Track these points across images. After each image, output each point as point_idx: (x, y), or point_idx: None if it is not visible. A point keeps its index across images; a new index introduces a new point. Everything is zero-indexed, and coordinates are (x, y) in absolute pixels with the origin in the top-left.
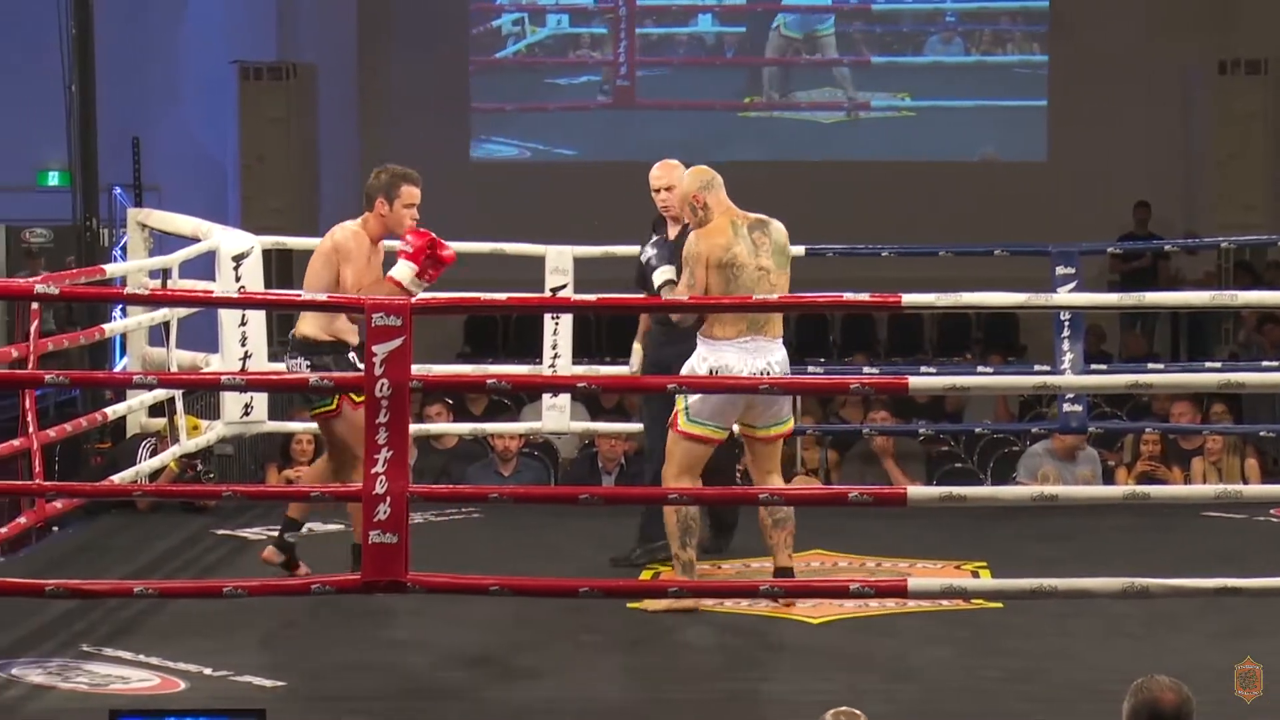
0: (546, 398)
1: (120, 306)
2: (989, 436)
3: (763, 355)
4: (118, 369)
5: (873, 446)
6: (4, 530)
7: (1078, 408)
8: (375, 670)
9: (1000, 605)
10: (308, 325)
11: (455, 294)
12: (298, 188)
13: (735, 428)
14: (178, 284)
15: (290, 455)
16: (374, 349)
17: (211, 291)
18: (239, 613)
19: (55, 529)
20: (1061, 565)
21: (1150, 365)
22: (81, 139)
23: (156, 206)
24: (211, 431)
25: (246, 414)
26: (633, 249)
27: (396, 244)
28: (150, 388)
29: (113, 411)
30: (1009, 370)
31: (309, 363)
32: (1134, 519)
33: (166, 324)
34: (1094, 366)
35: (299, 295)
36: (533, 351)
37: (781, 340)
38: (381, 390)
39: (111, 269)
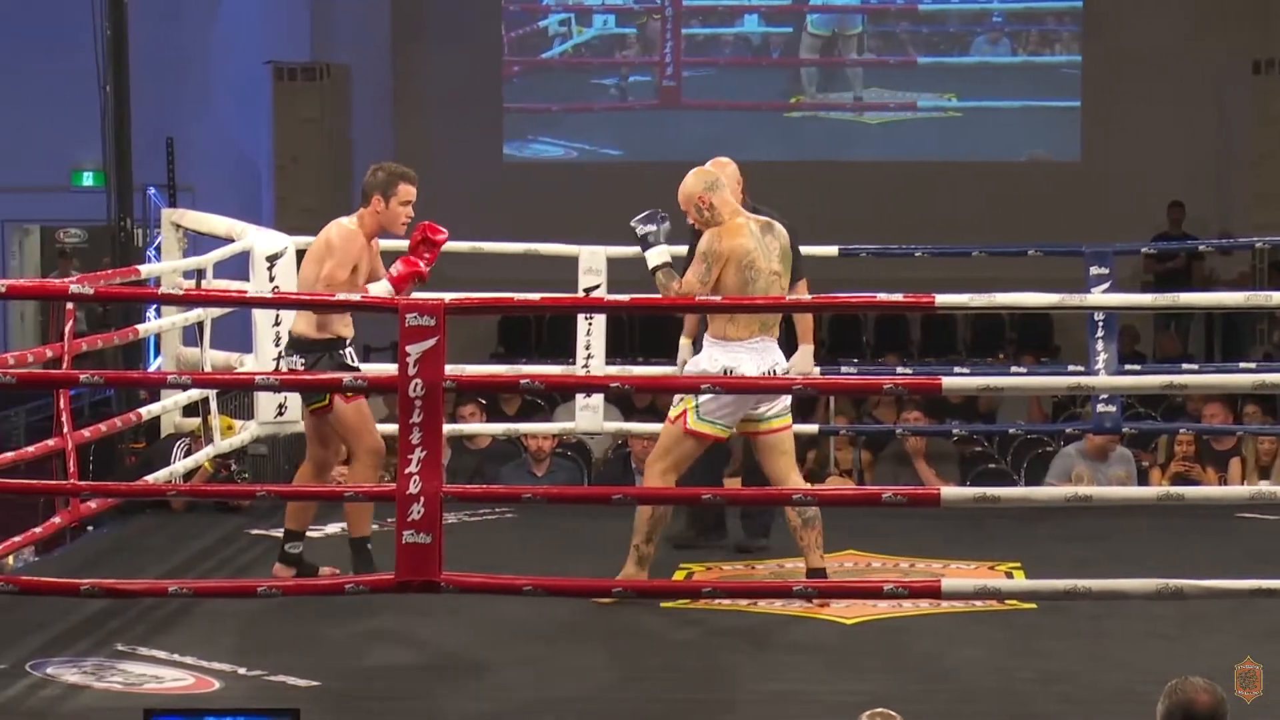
0: (580, 398)
1: (155, 307)
2: (1022, 437)
3: (769, 355)
4: (152, 369)
5: (905, 447)
6: (39, 530)
7: (1112, 408)
8: (409, 670)
9: (1034, 606)
10: (302, 323)
11: (489, 294)
12: (331, 188)
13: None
14: (212, 284)
15: None
16: (407, 349)
17: (245, 292)
18: (273, 612)
19: (90, 528)
20: (1095, 566)
21: (1184, 366)
22: (116, 139)
23: (190, 207)
24: (246, 431)
25: (280, 414)
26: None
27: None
28: (185, 388)
29: (147, 411)
30: (1043, 371)
31: (303, 360)
32: (1168, 520)
33: (200, 324)
34: (1128, 367)
35: (332, 295)
36: (566, 351)
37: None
38: (415, 390)
39: (146, 269)
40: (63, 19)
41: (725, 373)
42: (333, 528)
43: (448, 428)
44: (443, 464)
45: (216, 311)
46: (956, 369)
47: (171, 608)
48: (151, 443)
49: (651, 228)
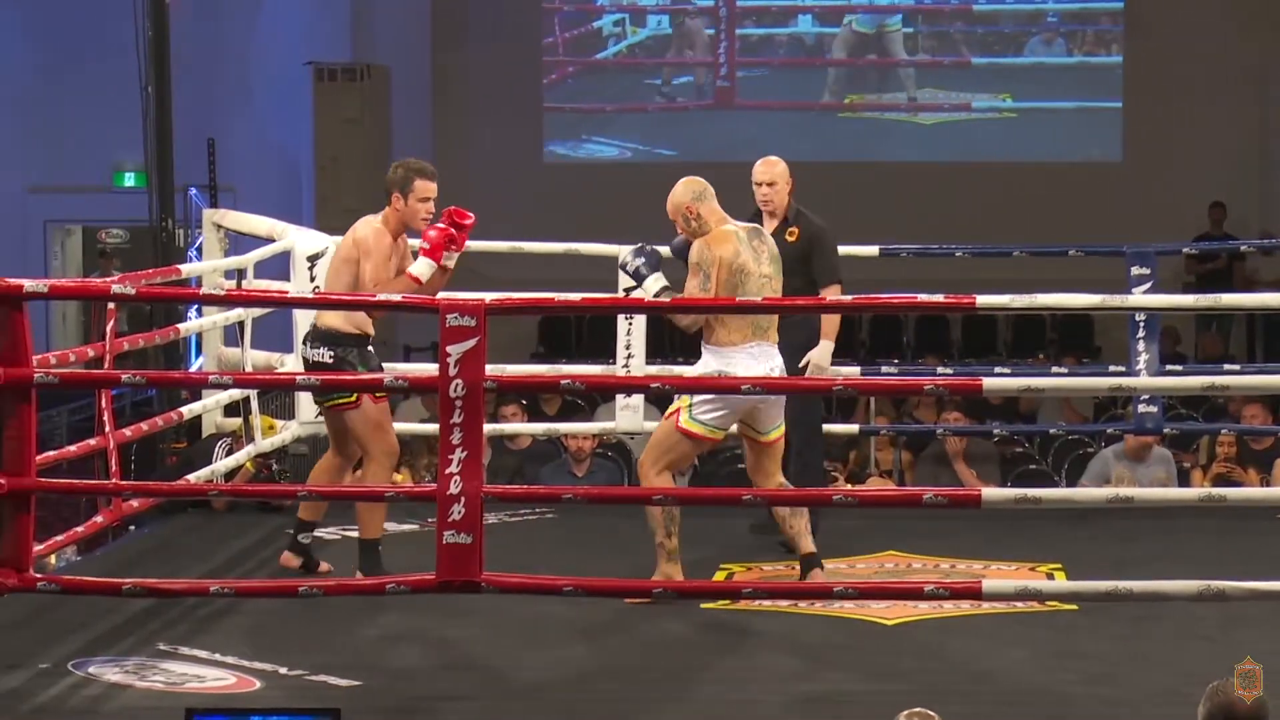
0: (620, 398)
1: (196, 306)
2: (1063, 438)
3: (766, 360)
4: (193, 369)
5: (946, 448)
6: (81, 529)
7: (1153, 409)
8: (449, 670)
9: (1075, 607)
10: (331, 316)
11: (529, 294)
12: (371, 188)
13: (733, 428)
14: (253, 284)
15: None
16: (448, 349)
17: (286, 292)
18: (314, 612)
19: (132, 528)
20: (1137, 567)
21: (1226, 367)
22: (157, 140)
23: (231, 207)
24: (286, 431)
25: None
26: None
27: (416, 241)
28: (225, 387)
29: (188, 411)
30: (1084, 372)
31: (332, 352)
32: (1209, 521)
33: (241, 324)
34: (1169, 368)
35: (373, 295)
36: (607, 352)
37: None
38: (455, 390)
39: (187, 269)
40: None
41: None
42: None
43: (488, 428)
44: (483, 464)
45: (257, 311)
46: (997, 369)
47: (213, 607)
48: (193, 442)
49: (640, 260)
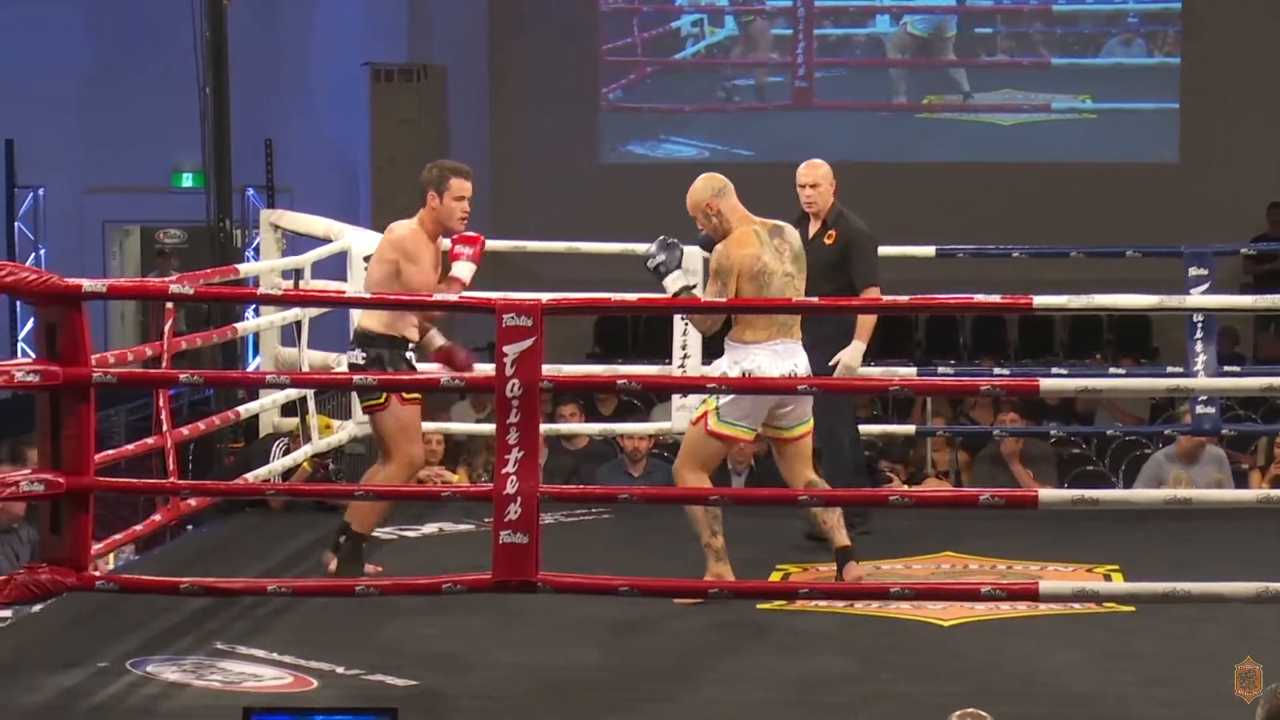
0: (676, 398)
1: (253, 306)
2: (1121, 439)
3: (790, 357)
4: (250, 368)
5: (1002, 449)
6: (139, 528)
7: (1211, 410)
8: (505, 670)
9: (1132, 609)
10: (370, 318)
11: (585, 294)
12: None
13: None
14: (310, 284)
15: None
16: (505, 349)
17: (343, 292)
18: (371, 611)
19: (190, 527)
20: (1194, 568)
21: None
22: (215, 141)
23: (289, 207)
24: (343, 431)
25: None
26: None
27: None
28: (282, 387)
29: (245, 410)
30: (1141, 372)
31: (364, 353)
32: (1267, 522)
33: (298, 324)
34: (1227, 369)
35: (429, 295)
36: (663, 352)
37: (801, 343)
38: (512, 390)
39: (245, 268)
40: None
41: (744, 376)
42: (429, 528)
43: (544, 427)
44: (540, 464)
45: (314, 311)
46: (1054, 370)
47: (270, 606)
48: (250, 442)
49: (663, 256)
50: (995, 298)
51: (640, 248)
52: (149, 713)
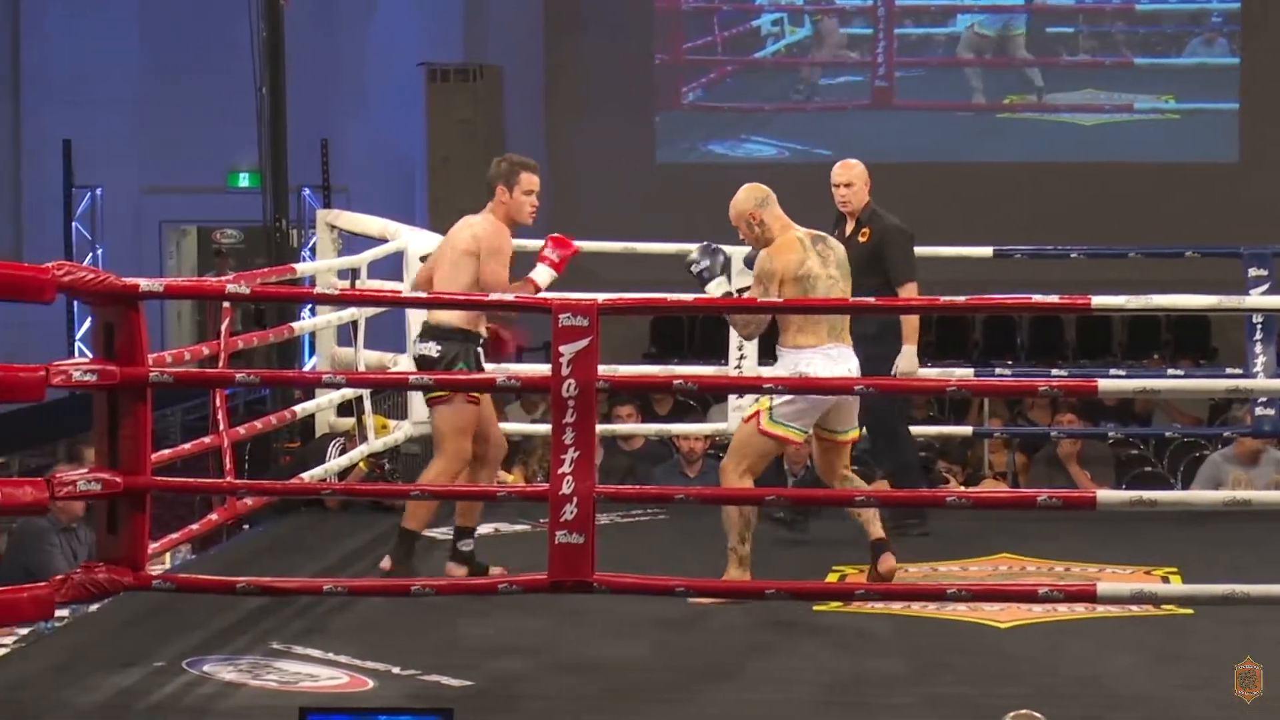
0: (732, 399)
1: (309, 306)
2: (1179, 440)
3: (843, 361)
4: (307, 368)
5: (1059, 450)
6: (196, 527)
7: (1270, 411)
8: (561, 670)
9: (1190, 611)
10: (445, 313)
11: (641, 295)
12: (484, 188)
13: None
14: (366, 284)
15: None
16: (561, 349)
17: (399, 291)
18: (427, 611)
19: (246, 526)
20: (1253, 571)
21: None
22: (272, 141)
23: (345, 207)
24: (399, 431)
25: None
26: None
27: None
28: (339, 387)
29: (301, 410)
30: (1200, 373)
31: (440, 347)
32: None
33: (355, 324)
34: None
35: (486, 295)
36: (718, 352)
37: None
38: (568, 390)
39: (301, 268)
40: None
41: None
42: (485, 528)
43: (600, 428)
44: (596, 464)
45: (370, 311)
46: (1112, 371)
47: (326, 606)
48: (306, 442)
49: (706, 262)
50: (1053, 298)
51: (696, 249)
52: (205, 712)
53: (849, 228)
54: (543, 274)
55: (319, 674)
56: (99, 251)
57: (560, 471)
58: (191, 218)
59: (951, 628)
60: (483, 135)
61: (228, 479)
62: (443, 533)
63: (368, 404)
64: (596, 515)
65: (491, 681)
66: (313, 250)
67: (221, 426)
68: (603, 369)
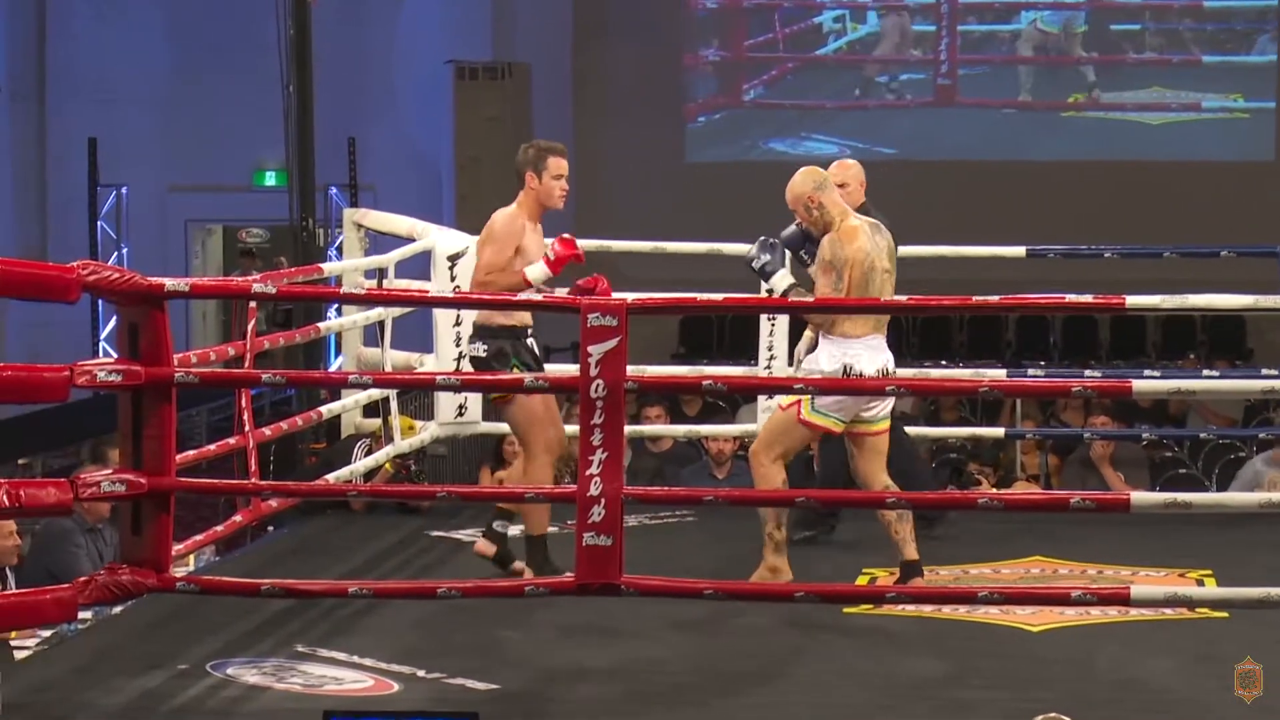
0: (762, 399)
1: (336, 306)
2: (1214, 442)
3: (882, 352)
4: (333, 368)
5: (1092, 452)
6: (220, 528)
7: None
8: (587, 673)
9: (1225, 615)
10: (486, 310)
11: (670, 294)
12: (512, 187)
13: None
14: (393, 283)
15: (503, 457)
16: (589, 349)
17: (427, 291)
18: (452, 614)
19: (270, 528)
20: None
21: None
22: (299, 140)
23: (372, 206)
24: (425, 432)
25: (460, 415)
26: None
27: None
28: (365, 387)
29: (327, 411)
30: (1235, 374)
31: (486, 346)
32: None
33: (381, 323)
34: None
35: (515, 294)
36: (748, 352)
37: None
38: (596, 391)
39: (328, 268)
40: (247, 21)
41: (844, 370)
42: (513, 530)
43: (628, 429)
44: (624, 466)
45: (397, 311)
46: (1146, 372)
47: (352, 609)
48: (332, 443)
49: (766, 257)
50: (1087, 297)
51: (726, 248)
52: (229, 715)
53: None
54: (535, 271)
55: (344, 677)
56: (124, 250)
57: (588, 473)
58: (217, 217)
59: (983, 631)
60: (511, 133)
61: (252, 480)
62: (469, 535)
63: (394, 405)
64: (624, 517)
65: (518, 685)
66: (339, 249)
67: (246, 427)
68: (631, 369)
